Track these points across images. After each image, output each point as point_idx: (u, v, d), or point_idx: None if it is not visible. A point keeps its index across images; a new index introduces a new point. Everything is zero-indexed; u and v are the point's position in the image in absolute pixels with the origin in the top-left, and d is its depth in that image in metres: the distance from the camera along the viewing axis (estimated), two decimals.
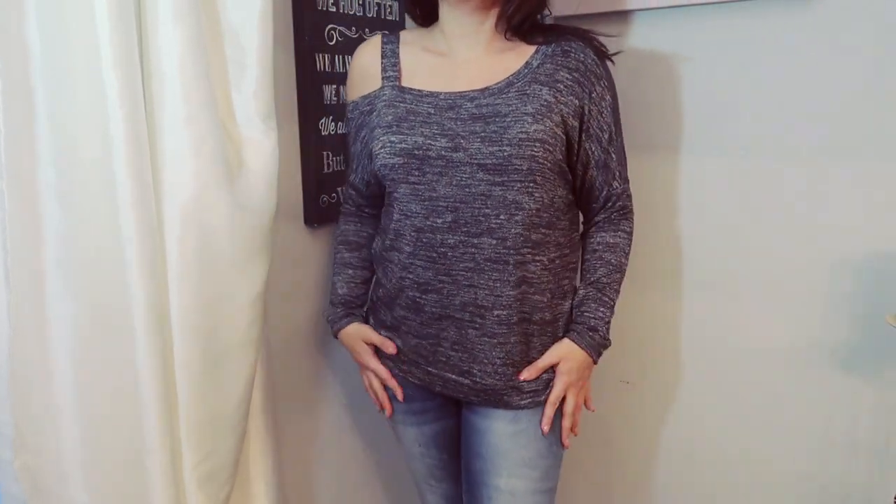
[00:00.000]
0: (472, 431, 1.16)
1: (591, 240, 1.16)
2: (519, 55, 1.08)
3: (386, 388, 1.22)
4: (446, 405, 1.23)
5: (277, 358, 1.27)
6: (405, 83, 1.10)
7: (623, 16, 1.36)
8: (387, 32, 1.17)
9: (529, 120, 1.01)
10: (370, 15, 1.37)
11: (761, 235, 1.31)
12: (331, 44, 1.29)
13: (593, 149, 1.09)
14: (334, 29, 1.29)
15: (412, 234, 1.07)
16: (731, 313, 1.37)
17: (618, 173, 1.13)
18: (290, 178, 1.26)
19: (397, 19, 1.44)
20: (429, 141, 1.04)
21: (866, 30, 1.17)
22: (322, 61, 1.27)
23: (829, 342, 1.28)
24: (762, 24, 1.24)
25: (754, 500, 1.42)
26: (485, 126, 1.02)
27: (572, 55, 1.07)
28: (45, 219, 0.84)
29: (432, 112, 1.06)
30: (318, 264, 1.36)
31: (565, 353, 1.11)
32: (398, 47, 1.14)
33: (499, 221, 1.03)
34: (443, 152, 1.04)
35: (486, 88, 1.05)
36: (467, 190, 1.03)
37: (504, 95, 1.04)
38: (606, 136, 1.10)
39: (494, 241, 1.04)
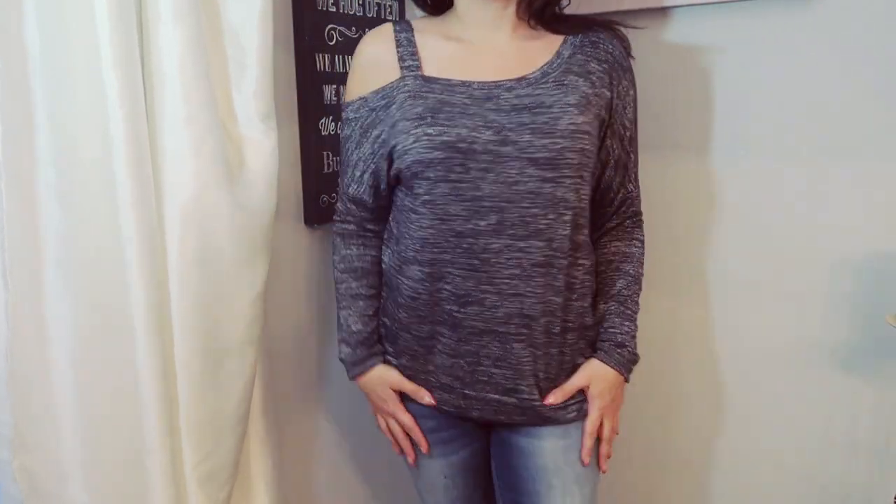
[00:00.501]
0: (517, 453, 1.07)
1: (606, 249, 1.10)
2: (546, 44, 1.02)
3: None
4: (475, 428, 1.12)
5: (277, 358, 1.27)
6: (429, 72, 1.00)
7: (621, 16, 1.36)
8: (396, 20, 1.09)
9: (575, 111, 0.95)
10: (370, 15, 1.37)
11: (761, 235, 1.31)
12: (331, 44, 1.29)
13: (615, 146, 1.04)
14: (334, 29, 1.29)
15: (450, 239, 0.96)
16: (731, 313, 1.37)
17: (633, 175, 1.09)
18: (290, 178, 1.26)
19: (397, 19, 1.44)
20: (473, 133, 0.94)
21: (866, 30, 1.16)
22: (322, 61, 1.27)
23: (829, 342, 1.28)
24: (762, 24, 1.24)
25: (754, 500, 1.42)
26: (532, 117, 0.95)
27: (601, 46, 1.02)
28: (45, 219, 0.84)
29: (468, 102, 0.96)
30: (318, 264, 1.36)
31: (595, 373, 1.04)
32: (413, 35, 1.04)
33: (547, 221, 0.96)
34: (490, 146, 0.94)
35: (523, 78, 0.98)
36: (515, 188, 0.94)
37: (543, 86, 0.97)
38: (628, 135, 1.05)
39: (542, 244, 0.96)
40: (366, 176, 1.06)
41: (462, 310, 0.99)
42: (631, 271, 1.09)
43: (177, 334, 0.95)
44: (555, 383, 1.03)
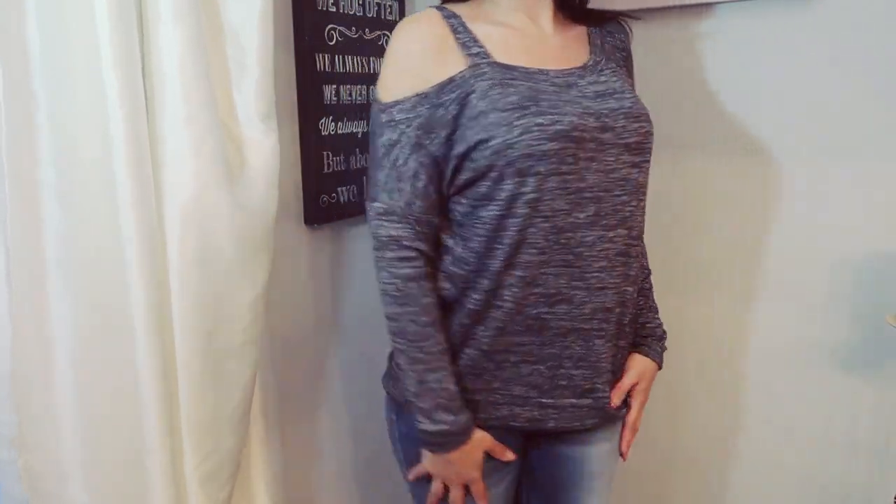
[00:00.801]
0: (563, 463, 1.03)
1: None
2: (579, 34, 1.01)
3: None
4: (518, 446, 1.03)
5: (277, 358, 1.27)
6: (501, 60, 0.91)
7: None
8: (438, 6, 0.98)
9: (637, 96, 0.96)
10: (370, 15, 1.37)
11: (761, 235, 1.31)
12: (331, 44, 1.29)
13: None
14: (334, 29, 1.29)
15: (550, 237, 0.88)
16: (731, 313, 1.37)
17: None
18: (290, 178, 1.26)
19: (397, 19, 1.44)
20: (581, 120, 0.88)
21: (866, 30, 1.17)
22: (322, 61, 1.27)
23: (829, 342, 1.28)
24: (762, 24, 1.24)
25: (754, 500, 1.42)
26: (618, 102, 0.91)
27: (617, 37, 1.04)
28: (46, 219, 0.84)
29: (556, 90, 0.90)
30: (318, 264, 1.36)
31: (644, 369, 1.03)
32: (463, 21, 0.94)
33: (630, 209, 0.92)
34: (595, 133, 0.89)
35: (585, 66, 0.96)
36: (611, 175, 0.90)
37: (603, 73, 0.95)
38: None
39: (625, 233, 0.92)
40: (431, 186, 0.91)
41: (550, 310, 0.91)
42: (645, 264, 1.09)
43: (177, 334, 0.95)
44: (616, 377, 1.01)
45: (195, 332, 0.96)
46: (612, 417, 1.02)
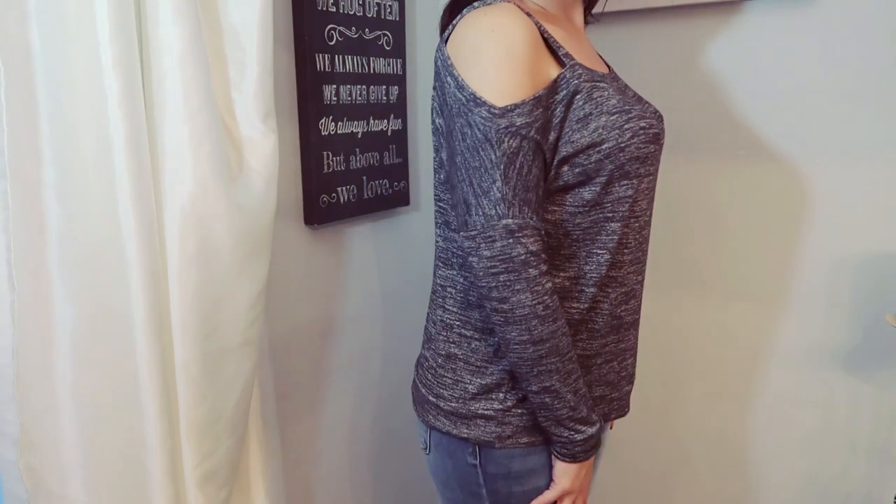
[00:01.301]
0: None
1: None
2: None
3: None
4: None
5: (277, 358, 1.27)
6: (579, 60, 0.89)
7: (621, 16, 1.36)
8: (505, 2, 0.86)
9: None
10: (370, 15, 1.37)
11: (761, 236, 1.31)
12: (331, 44, 1.29)
13: None
14: (334, 29, 1.29)
15: (637, 236, 0.91)
16: (731, 313, 1.37)
17: None
18: (290, 178, 1.26)
19: (397, 19, 1.44)
20: (660, 123, 0.93)
21: (867, 30, 1.17)
22: (322, 61, 1.27)
23: (829, 342, 1.28)
24: (762, 24, 1.24)
25: (754, 500, 1.42)
26: (653, 107, 0.95)
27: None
28: (47, 219, 0.84)
29: (626, 94, 0.93)
30: (318, 264, 1.36)
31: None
32: (534, 17, 0.87)
33: (651, 206, 0.98)
34: (662, 136, 0.94)
35: (611, 70, 1.01)
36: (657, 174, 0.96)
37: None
38: None
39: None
40: (540, 191, 0.85)
41: (625, 306, 0.94)
42: None
43: (176, 334, 0.95)
44: None
45: (194, 331, 0.96)
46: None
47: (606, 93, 0.85)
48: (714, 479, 1.46)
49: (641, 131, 0.86)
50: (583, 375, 0.91)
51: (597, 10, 1.08)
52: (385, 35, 1.41)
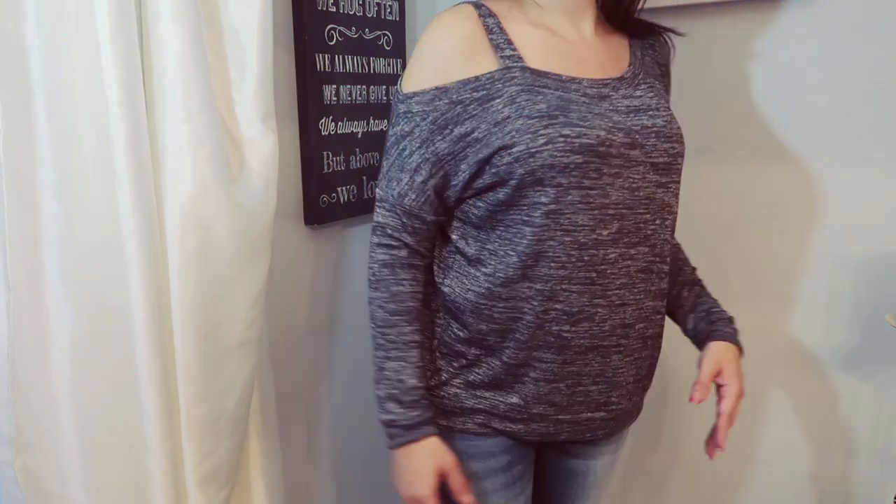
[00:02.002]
0: (567, 475, 1.05)
1: None
2: (621, 42, 0.98)
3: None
4: (532, 455, 1.03)
5: (277, 358, 1.27)
6: (532, 65, 0.89)
7: None
8: (476, 2, 0.94)
9: (672, 114, 0.93)
10: (370, 15, 1.37)
11: (761, 236, 1.31)
12: (331, 44, 1.29)
13: None
14: (334, 29, 1.29)
15: (571, 252, 0.87)
16: (731, 313, 1.37)
17: None
18: (290, 178, 1.26)
19: (397, 19, 1.44)
20: (610, 135, 0.86)
21: (867, 30, 1.17)
22: (322, 61, 1.27)
23: (829, 342, 1.28)
24: (762, 24, 1.24)
25: (754, 500, 1.42)
26: (651, 120, 0.90)
27: (657, 49, 1.01)
28: (45, 218, 0.84)
29: (588, 102, 0.88)
30: (318, 264, 1.36)
31: (724, 355, 0.97)
32: (499, 21, 0.91)
33: (653, 227, 0.91)
34: (622, 149, 0.87)
35: (622, 78, 0.92)
36: (636, 194, 0.88)
37: (640, 87, 0.93)
38: None
39: (647, 250, 0.91)
40: (431, 182, 0.91)
41: (572, 329, 0.89)
42: (688, 260, 1.11)
43: (176, 334, 0.95)
44: (641, 385, 1.00)
45: (194, 331, 0.96)
46: (620, 425, 1.01)
47: (538, 97, 0.86)
48: (714, 479, 1.46)
49: (561, 139, 0.84)
50: (511, 385, 0.93)
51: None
52: (385, 35, 1.41)
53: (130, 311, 0.89)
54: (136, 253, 0.88)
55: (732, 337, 1.00)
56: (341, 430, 1.48)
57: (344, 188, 1.35)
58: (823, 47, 1.20)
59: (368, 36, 1.37)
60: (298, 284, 1.32)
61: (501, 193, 0.88)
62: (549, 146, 0.84)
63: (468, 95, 0.88)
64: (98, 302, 0.88)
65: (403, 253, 0.93)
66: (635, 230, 0.89)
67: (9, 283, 0.83)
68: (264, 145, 1.03)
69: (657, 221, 0.91)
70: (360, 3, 1.35)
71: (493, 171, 0.87)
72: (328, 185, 1.32)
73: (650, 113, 0.90)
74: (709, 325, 1.02)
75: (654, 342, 0.98)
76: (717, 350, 0.97)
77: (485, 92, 0.87)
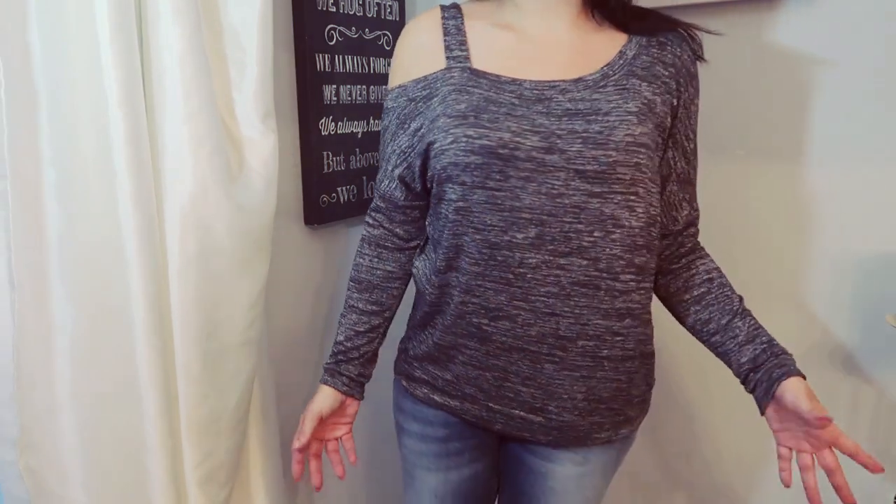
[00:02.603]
0: (527, 471, 1.03)
1: (696, 267, 1.01)
2: (610, 41, 0.93)
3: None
4: (487, 442, 1.07)
5: (277, 358, 1.27)
6: (477, 65, 0.92)
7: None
8: (446, 5, 1.00)
9: (634, 121, 0.87)
10: (370, 15, 1.37)
11: (761, 236, 1.31)
12: (331, 44, 1.29)
13: (677, 159, 0.96)
14: (334, 29, 1.29)
15: (483, 250, 0.90)
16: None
17: (695, 192, 1.01)
18: (290, 178, 1.26)
19: (397, 19, 1.44)
20: (517, 138, 0.87)
21: (867, 30, 1.17)
22: (322, 61, 1.27)
23: (829, 342, 1.28)
24: (763, 24, 1.24)
25: (754, 500, 1.42)
26: (586, 125, 0.87)
27: (668, 48, 0.94)
28: (47, 219, 0.84)
29: (517, 103, 0.89)
30: (318, 264, 1.36)
31: (801, 392, 0.89)
32: (462, 22, 0.96)
33: (592, 239, 0.88)
34: (533, 153, 0.87)
35: (580, 79, 0.90)
36: (558, 201, 0.87)
37: (602, 90, 0.89)
38: (691, 147, 0.98)
39: (585, 262, 0.88)
40: (397, 171, 1.00)
41: (492, 324, 0.92)
42: (732, 284, 1.03)
43: (176, 334, 0.95)
44: (604, 407, 0.96)
45: (195, 331, 0.96)
46: (570, 439, 0.97)
47: (463, 97, 0.90)
48: (713, 479, 1.46)
49: (464, 138, 0.88)
50: (445, 363, 1.00)
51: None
52: (385, 35, 1.41)
53: (130, 311, 0.89)
54: (136, 253, 0.88)
55: (797, 370, 0.93)
56: None
57: (344, 188, 1.35)
58: (823, 47, 1.20)
59: (368, 36, 1.37)
60: (298, 284, 1.32)
61: (433, 186, 0.96)
62: (454, 145, 0.89)
63: (419, 94, 0.96)
64: (98, 302, 0.88)
65: (377, 232, 1.07)
66: (563, 239, 0.88)
67: (13, 283, 0.83)
68: (264, 145, 1.03)
69: (596, 234, 0.88)
70: (360, 3, 1.35)
71: (429, 164, 0.95)
72: (328, 185, 1.32)
73: (590, 117, 0.87)
74: (778, 359, 0.95)
75: (617, 366, 0.94)
76: (794, 390, 0.91)
77: (428, 91, 0.95)
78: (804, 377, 0.93)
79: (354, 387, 1.07)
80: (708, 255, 1.04)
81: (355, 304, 1.08)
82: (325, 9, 1.27)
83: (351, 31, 1.33)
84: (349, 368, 1.07)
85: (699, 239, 1.06)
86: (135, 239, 0.87)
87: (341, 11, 1.30)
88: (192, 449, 0.99)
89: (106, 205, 0.87)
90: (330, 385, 1.06)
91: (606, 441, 0.99)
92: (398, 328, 1.13)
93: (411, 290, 1.11)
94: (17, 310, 0.84)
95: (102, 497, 0.91)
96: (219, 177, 0.95)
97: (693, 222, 1.02)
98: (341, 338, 1.08)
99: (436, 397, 1.03)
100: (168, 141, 0.92)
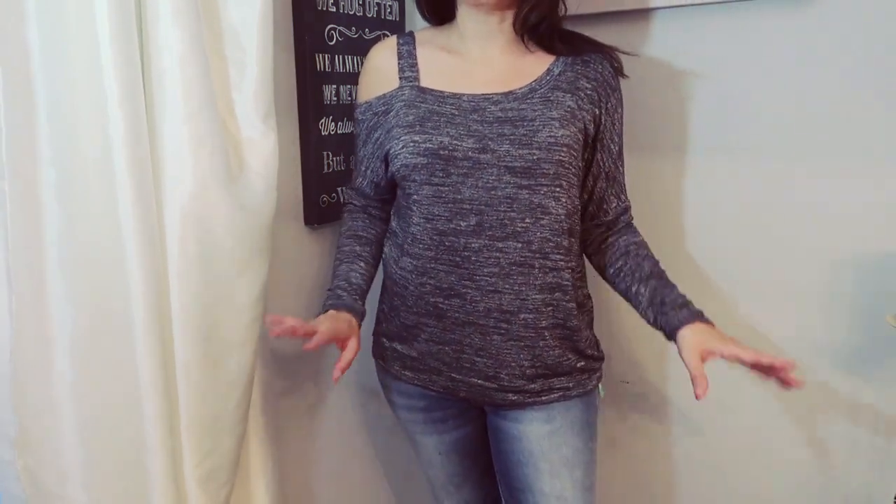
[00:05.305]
0: (505, 438, 1.15)
1: (617, 244, 1.15)
2: (538, 60, 1.09)
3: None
4: (468, 410, 1.22)
5: (277, 358, 1.27)
6: (424, 84, 1.10)
7: (624, 16, 1.36)
8: (402, 34, 1.19)
9: (556, 125, 1.03)
10: (370, 15, 1.38)
11: (761, 236, 1.31)
12: (331, 44, 1.29)
13: (604, 159, 1.12)
14: (334, 29, 1.29)
15: (434, 237, 1.06)
16: (731, 313, 1.37)
17: (624, 187, 1.17)
18: (290, 178, 1.26)
19: (397, 19, 1.44)
20: (455, 141, 1.04)
21: (867, 29, 1.16)
22: (322, 61, 1.27)
23: (829, 342, 1.28)
24: (763, 24, 1.24)
25: (754, 500, 1.42)
26: (513, 129, 1.03)
27: (591, 65, 1.09)
28: (47, 219, 0.84)
29: (456, 113, 1.06)
30: (318, 264, 1.36)
31: (695, 339, 1.00)
32: (414, 48, 1.14)
33: (524, 225, 1.03)
34: (469, 153, 1.03)
35: (510, 92, 1.06)
36: (493, 193, 1.03)
37: (528, 101, 1.05)
38: (616, 149, 1.13)
39: (520, 245, 1.04)
40: (368, 172, 1.18)
41: (446, 301, 1.07)
42: (651, 255, 1.14)
43: (176, 334, 0.95)
44: (553, 371, 1.09)
45: (195, 331, 0.96)
46: (533, 401, 1.09)
47: (412, 110, 1.07)
48: (713, 479, 1.46)
49: (412, 143, 1.05)
50: (410, 341, 1.13)
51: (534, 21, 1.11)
52: (385, 35, 1.41)
53: (130, 311, 0.89)
54: (136, 253, 0.88)
55: (694, 318, 1.03)
56: (341, 430, 1.48)
57: (344, 188, 1.35)
58: (823, 47, 1.20)
59: (368, 36, 1.37)
60: (298, 284, 1.32)
61: (395, 186, 1.13)
62: (404, 150, 1.06)
63: (380, 108, 1.12)
64: (98, 302, 0.88)
65: (358, 206, 1.23)
66: (499, 226, 1.03)
67: (11, 283, 0.83)
68: (264, 145, 1.04)
69: (527, 220, 1.03)
70: (360, 3, 1.35)
71: (389, 167, 1.11)
72: (328, 185, 1.32)
73: (518, 123, 1.03)
74: (671, 313, 1.05)
75: (557, 334, 1.08)
76: (689, 337, 1.01)
77: (386, 106, 1.11)
78: (700, 321, 1.02)
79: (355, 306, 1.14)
80: (636, 234, 1.17)
81: (362, 254, 1.18)
82: (324, 9, 1.27)
83: (351, 31, 1.33)
84: (361, 309, 1.14)
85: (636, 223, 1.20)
86: (135, 239, 0.87)
87: (341, 11, 1.30)
88: (192, 448, 0.99)
89: (106, 205, 0.87)
90: (330, 307, 1.10)
91: (563, 398, 1.11)
92: (372, 320, 1.20)
93: (377, 284, 1.21)
94: (16, 309, 0.84)
95: (102, 497, 0.91)
96: (219, 177, 0.95)
97: (623, 212, 1.16)
98: (358, 280, 1.14)
99: (408, 373, 1.16)
100: (168, 141, 0.92)
